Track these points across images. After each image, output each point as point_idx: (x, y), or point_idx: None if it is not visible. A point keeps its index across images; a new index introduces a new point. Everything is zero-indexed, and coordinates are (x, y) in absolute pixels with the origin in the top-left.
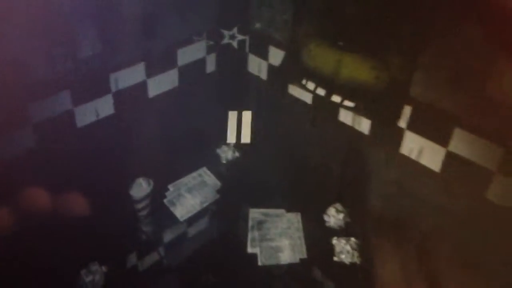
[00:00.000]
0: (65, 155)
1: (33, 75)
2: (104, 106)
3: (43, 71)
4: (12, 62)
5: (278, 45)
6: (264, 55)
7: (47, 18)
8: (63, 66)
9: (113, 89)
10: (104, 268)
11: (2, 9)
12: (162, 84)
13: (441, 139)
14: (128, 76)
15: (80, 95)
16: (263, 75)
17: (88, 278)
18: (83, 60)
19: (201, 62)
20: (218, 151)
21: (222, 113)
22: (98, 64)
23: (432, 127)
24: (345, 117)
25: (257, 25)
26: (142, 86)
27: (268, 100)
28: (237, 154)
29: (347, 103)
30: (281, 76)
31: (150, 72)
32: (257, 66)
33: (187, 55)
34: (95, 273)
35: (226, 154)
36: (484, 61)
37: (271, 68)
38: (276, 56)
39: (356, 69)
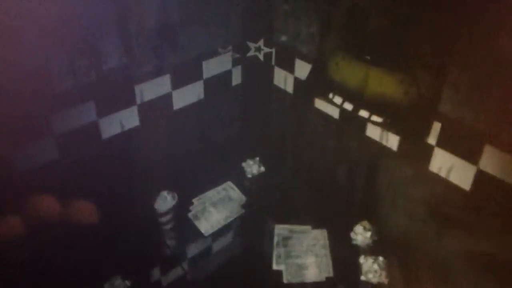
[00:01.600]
0: (89, 166)
1: (56, 86)
2: (129, 118)
3: (67, 82)
4: (36, 72)
5: (304, 58)
6: (290, 68)
7: (71, 29)
8: (87, 77)
9: (138, 101)
10: (127, 283)
11: (28, 20)
12: (187, 96)
13: (471, 156)
14: (153, 88)
15: (104, 107)
16: (289, 88)
17: None
18: (108, 72)
19: (227, 74)
20: (243, 165)
21: (248, 126)
22: (123, 75)
23: (462, 144)
24: (372, 132)
25: (283, 38)
26: (167, 98)
27: (294, 113)
28: (262, 168)
29: (375, 118)
30: (307, 89)
31: (176, 84)
32: (283, 79)
33: (212, 67)
34: (118, 287)
35: (251, 168)
36: None
37: (297, 81)
38: (302, 69)
39: (384, 83)
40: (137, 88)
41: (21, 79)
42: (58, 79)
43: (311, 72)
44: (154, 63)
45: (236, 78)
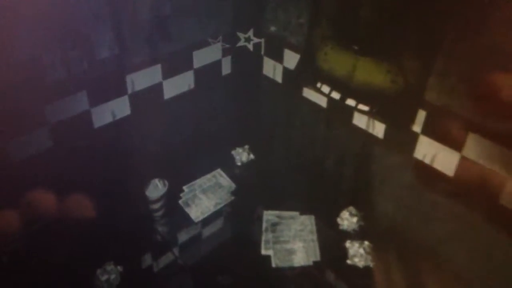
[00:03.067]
0: (82, 155)
1: (49, 76)
2: (121, 107)
3: (59, 72)
4: (29, 63)
5: (293, 48)
6: (279, 58)
7: (63, 19)
8: (79, 68)
9: (130, 90)
10: (119, 268)
11: (18, 10)
12: (177, 86)
13: (455, 143)
14: (145, 78)
15: (97, 96)
16: (278, 78)
17: (104, 278)
18: (100, 62)
19: (217, 64)
20: (233, 153)
21: (238, 115)
22: (115, 65)
23: (446, 132)
24: (359, 121)
25: (273, 28)
26: (158, 88)
27: (283, 102)
28: (251, 156)
29: (362, 106)
30: (296, 79)
31: (166, 74)
32: (272, 69)
33: (202, 57)
34: (110, 272)
35: (241, 156)
36: (500, 66)
37: (286, 71)
38: (291, 59)
39: (371, 72)
40: (129, 78)
41: (14, 69)
42: (51, 70)
43: (299, 62)
44: (145, 53)
45: (226, 68)
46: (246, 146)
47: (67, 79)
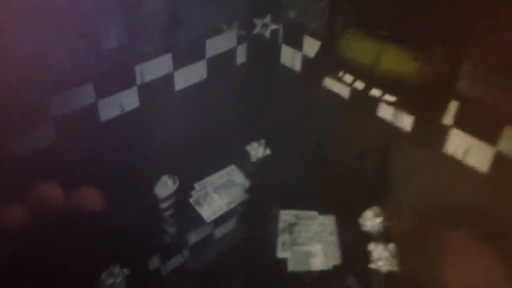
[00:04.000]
0: (88, 150)
1: (55, 67)
2: (129, 99)
3: (65, 63)
4: (33, 53)
5: (314, 35)
6: (298, 46)
7: (70, 7)
8: (86, 58)
9: (139, 81)
10: (126, 271)
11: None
12: (189, 76)
13: (490, 137)
14: (154, 68)
15: (104, 88)
16: (297, 67)
17: (109, 281)
18: (108, 52)
19: (231, 53)
20: (248, 148)
21: (253, 107)
22: (123, 55)
23: (480, 125)
24: (384, 112)
25: (291, 14)
26: (169, 78)
27: (302, 93)
28: (267, 151)
29: (387, 97)
30: (316, 67)
31: (177, 64)
32: (290, 58)
33: (216, 46)
34: (116, 276)
35: (256, 151)
36: None
37: (305, 59)
38: (311, 46)
39: (397, 60)
40: (138, 68)
41: (17, 60)
42: (56, 60)
43: (320, 49)
44: (155, 42)
45: (241, 57)
46: (262, 141)
47: (72, 70)
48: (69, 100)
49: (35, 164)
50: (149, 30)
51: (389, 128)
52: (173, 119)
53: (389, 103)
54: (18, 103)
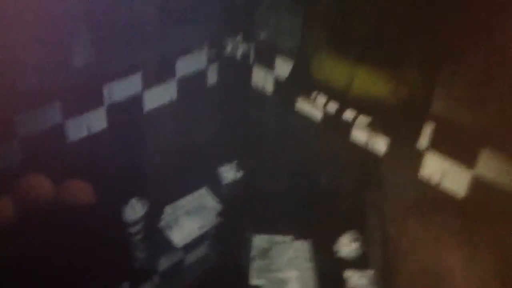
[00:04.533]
0: (54, 172)
1: (21, 84)
2: (97, 120)
3: (32, 80)
4: None
5: (286, 55)
6: (270, 66)
7: (37, 23)
8: (53, 76)
9: (107, 101)
10: None
11: None
12: (159, 97)
13: (467, 160)
14: (123, 88)
15: (71, 108)
16: (269, 88)
17: None
18: (76, 70)
19: (202, 73)
20: (220, 170)
21: (225, 129)
22: (92, 74)
23: (456, 147)
24: (358, 135)
25: (263, 33)
26: (138, 98)
27: (274, 115)
28: (240, 173)
29: (362, 119)
30: (289, 89)
31: (147, 83)
32: (262, 78)
33: (186, 65)
34: None
35: (228, 173)
36: None
37: (277, 80)
38: (284, 67)
39: (371, 82)
40: (106, 88)
41: None
42: (23, 77)
43: (292, 70)
44: (124, 60)
45: (212, 77)
46: (234, 163)
47: (40, 88)
48: (36, 119)
49: None
50: (118, 48)
51: (364, 151)
52: (142, 141)
53: (363, 125)
54: None
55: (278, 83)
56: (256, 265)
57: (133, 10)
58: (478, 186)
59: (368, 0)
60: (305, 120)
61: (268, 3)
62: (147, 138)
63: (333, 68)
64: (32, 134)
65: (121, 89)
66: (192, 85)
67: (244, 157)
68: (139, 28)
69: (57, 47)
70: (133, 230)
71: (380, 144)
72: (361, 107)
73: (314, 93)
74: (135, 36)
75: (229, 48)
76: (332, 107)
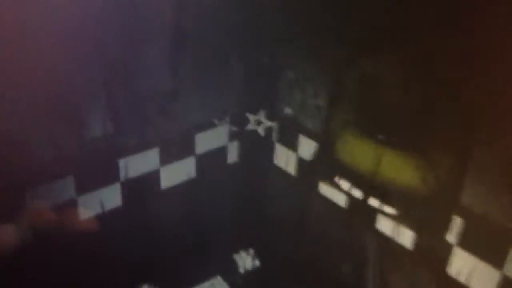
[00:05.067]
0: (63, 251)
1: (33, 157)
2: (111, 197)
3: (44, 153)
4: (8, 141)
5: (310, 135)
6: (293, 146)
7: (51, 91)
8: (67, 148)
9: (122, 177)
10: None
11: (5, 81)
12: (177, 174)
13: (496, 259)
14: (140, 163)
15: (85, 182)
16: (291, 169)
17: None
18: (91, 142)
19: (222, 150)
20: (236, 257)
21: (243, 211)
22: (107, 147)
23: (485, 245)
24: (384, 225)
25: (287, 111)
26: (155, 175)
27: (295, 199)
28: (257, 262)
29: (387, 208)
30: (312, 171)
31: (164, 159)
32: (285, 159)
33: (206, 141)
34: None
35: (244, 261)
36: None
37: (300, 161)
38: (307, 147)
39: (399, 168)
40: (122, 162)
41: None
42: (35, 150)
43: (316, 151)
44: (141, 134)
45: (233, 155)
46: (251, 250)
47: (52, 161)
48: (48, 194)
49: (11, 265)
50: (136, 120)
51: (389, 243)
52: (156, 221)
53: (388, 216)
54: None
55: (301, 165)
56: None
57: (153, 81)
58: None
59: (392, 78)
60: (328, 204)
61: (292, 79)
62: (161, 217)
63: (358, 151)
64: (43, 211)
65: (137, 164)
66: (212, 162)
67: (262, 244)
68: (158, 100)
69: (72, 118)
70: None
71: (406, 237)
72: (387, 194)
73: (337, 177)
74: (154, 108)
75: (251, 125)
76: (357, 193)
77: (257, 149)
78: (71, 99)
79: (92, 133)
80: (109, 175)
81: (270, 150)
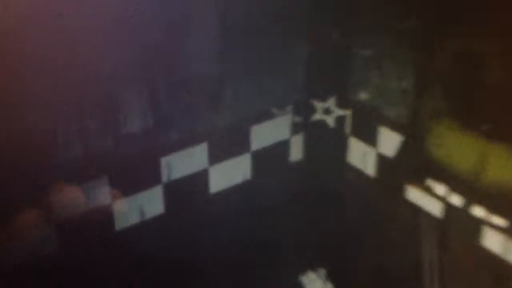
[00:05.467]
0: (96, 264)
1: (62, 154)
2: (152, 203)
3: (74, 151)
4: (32, 137)
5: (393, 126)
6: (371, 140)
7: (80, 79)
8: (100, 145)
9: (165, 179)
10: None
11: (30, 65)
12: (229, 175)
13: None
14: (185, 162)
15: (120, 185)
16: (370, 169)
17: None
18: (127, 137)
19: (283, 146)
20: (302, 279)
21: (310, 223)
22: (147, 143)
23: None
24: (492, 241)
25: (363, 96)
26: (203, 176)
27: (375, 207)
28: (329, 286)
29: (495, 219)
30: (396, 171)
31: (214, 157)
32: (360, 156)
33: (264, 135)
34: None
35: (314, 284)
36: None
37: (381, 159)
38: (390, 141)
39: (509, 167)
40: (164, 161)
41: (15, 144)
42: (63, 147)
43: (401, 147)
44: (186, 128)
45: (296, 152)
46: (322, 271)
47: (83, 160)
48: (77, 198)
49: (35, 273)
50: (180, 112)
51: (498, 264)
52: (205, 230)
53: (497, 228)
54: (13, 197)
55: (381, 163)
56: None
57: (199, 66)
58: None
59: (503, 56)
60: (418, 214)
61: (369, 58)
62: (211, 228)
63: (456, 146)
64: (71, 219)
65: (182, 163)
66: (270, 160)
67: (334, 263)
68: (206, 86)
69: (106, 110)
70: None
71: None
72: (496, 202)
73: (430, 179)
74: (200, 98)
75: (318, 114)
76: (456, 198)
77: (326, 144)
78: (103, 87)
79: (129, 127)
80: (149, 177)
81: (343, 145)
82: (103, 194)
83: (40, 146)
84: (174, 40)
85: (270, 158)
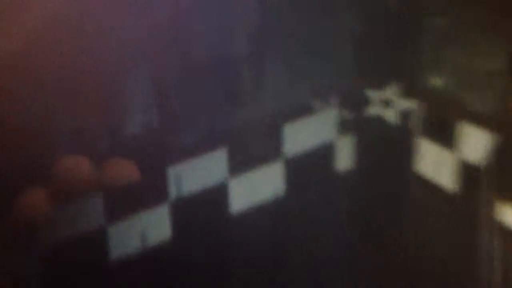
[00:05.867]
0: None
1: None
2: (156, 225)
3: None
4: (22, 138)
5: (479, 122)
6: (449, 141)
7: (78, 65)
8: (95, 148)
9: (173, 194)
10: None
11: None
12: (254, 189)
13: None
14: (198, 173)
15: (117, 204)
16: (447, 180)
17: None
18: (127, 140)
19: (327, 150)
20: None
21: (365, 249)
22: (151, 148)
23: None
24: None
25: (435, 82)
26: (221, 191)
27: (456, 228)
28: None
29: None
30: (484, 184)
31: (236, 166)
32: (434, 162)
33: (300, 137)
34: None
35: None
36: None
37: (464, 167)
38: (475, 143)
39: None
40: (172, 172)
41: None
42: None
43: (494, 152)
44: (202, 128)
45: (344, 158)
46: None
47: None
48: (65, 221)
49: None
50: (193, 108)
51: None
52: (223, 263)
53: None
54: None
55: (465, 171)
56: None
57: (219, 47)
58: None
59: None
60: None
61: (444, 31)
62: (232, 258)
63: None
64: (60, 248)
65: (195, 175)
66: (309, 170)
67: None
68: (225, 75)
69: (102, 105)
70: None
71: None
72: None
73: None
74: (219, 87)
75: (374, 108)
76: None
77: (386, 147)
78: (99, 78)
79: (130, 128)
80: (153, 192)
81: (408, 150)
82: (97, 217)
83: (29, 151)
84: (184, 17)
85: (310, 167)
